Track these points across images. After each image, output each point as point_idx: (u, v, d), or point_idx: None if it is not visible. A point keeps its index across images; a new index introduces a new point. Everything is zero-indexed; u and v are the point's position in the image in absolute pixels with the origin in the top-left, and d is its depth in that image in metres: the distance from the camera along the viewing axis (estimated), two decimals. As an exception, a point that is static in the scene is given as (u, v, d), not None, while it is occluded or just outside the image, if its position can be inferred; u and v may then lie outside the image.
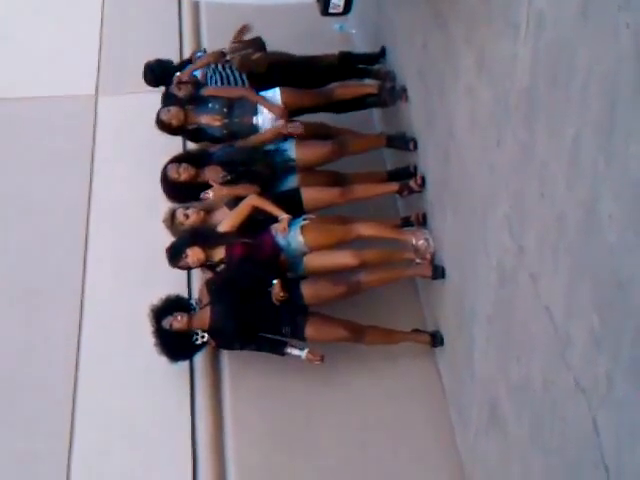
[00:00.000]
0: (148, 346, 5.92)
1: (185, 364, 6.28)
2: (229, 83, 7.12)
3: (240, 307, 5.89)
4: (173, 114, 6.77)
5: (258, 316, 5.89)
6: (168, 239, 6.25)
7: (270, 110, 6.76)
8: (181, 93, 7.00)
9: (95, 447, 6.07)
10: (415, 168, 6.48)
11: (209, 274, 6.24)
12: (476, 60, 4.84)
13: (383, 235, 6.26)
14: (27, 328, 6.69)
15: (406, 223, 6.47)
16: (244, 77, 7.13)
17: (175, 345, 5.99)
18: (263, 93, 6.89)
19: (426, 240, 6.07)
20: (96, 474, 5.99)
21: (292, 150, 6.57)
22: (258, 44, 7.21)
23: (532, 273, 4.19)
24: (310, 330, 5.87)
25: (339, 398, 6.10)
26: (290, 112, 6.83)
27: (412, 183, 6.39)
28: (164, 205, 6.47)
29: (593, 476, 3.57)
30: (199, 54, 7.57)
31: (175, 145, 7.14)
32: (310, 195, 6.37)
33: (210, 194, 6.38)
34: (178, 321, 5.90)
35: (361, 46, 8.01)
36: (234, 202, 6.28)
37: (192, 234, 6.14)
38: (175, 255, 6.07)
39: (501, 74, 4.43)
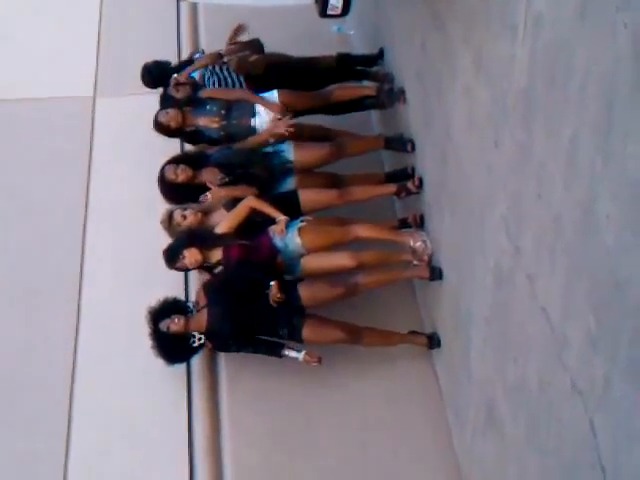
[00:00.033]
0: (146, 347, 5.92)
1: (182, 365, 6.27)
2: (227, 85, 7.12)
3: (237, 309, 5.88)
4: (171, 116, 6.76)
5: (255, 318, 5.88)
6: (166, 240, 6.24)
7: (268, 108, 6.74)
8: (179, 95, 6.99)
9: (93, 448, 6.07)
10: (413, 170, 6.49)
11: (206, 276, 6.24)
12: (474, 60, 4.84)
13: (380, 237, 6.26)
14: (26, 328, 6.69)
15: (403, 225, 6.48)
16: (241, 79, 7.13)
17: (172, 348, 5.99)
18: (261, 95, 6.88)
19: (423, 242, 6.07)
20: (94, 474, 5.98)
21: (290, 152, 6.56)
22: (256, 46, 7.20)
23: (529, 274, 4.18)
24: (307, 332, 5.86)
25: (336, 400, 6.10)
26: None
27: (410, 185, 6.39)
28: (162, 206, 6.47)
29: (590, 477, 3.56)
30: (197, 55, 7.57)
31: (173, 146, 7.13)
32: (308, 197, 6.37)
33: (209, 196, 6.37)
34: (175, 323, 5.89)
35: (359, 47, 8.02)
36: (232, 204, 6.27)
37: (189, 235, 6.13)
38: (172, 256, 6.06)
39: (499, 74, 4.43)
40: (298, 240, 6.02)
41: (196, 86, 7.10)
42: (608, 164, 3.28)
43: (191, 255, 6.00)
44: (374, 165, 7.12)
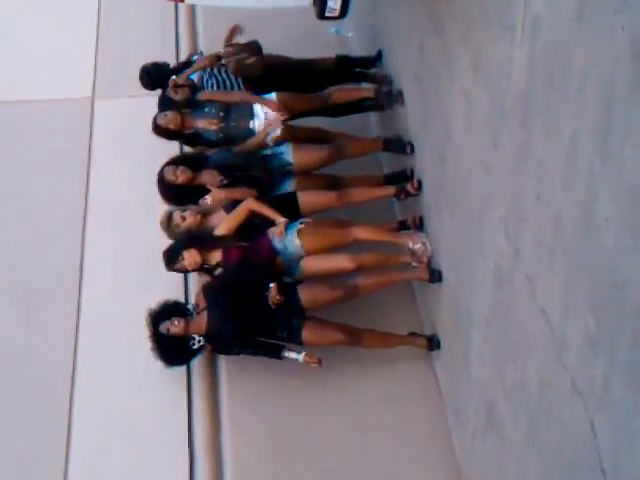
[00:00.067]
0: (146, 347, 5.93)
1: (183, 366, 6.27)
2: (225, 87, 7.12)
3: (237, 311, 5.88)
4: (170, 118, 6.75)
5: (255, 320, 5.88)
6: (166, 241, 6.25)
7: (268, 106, 6.73)
8: (178, 97, 6.99)
9: (93, 448, 6.08)
10: (412, 171, 6.49)
11: (206, 278, 6.24)
12: (472, 62, 4.85)
13: (380, 239, 6.26)
14: (26, 328, 6.71)
15: (403, 226, 6.49)
16: (240, 81, 7.13)
17: (172, 350, 6.00)
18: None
19: (423, 244, 6.08)
20: (94, 474, 5.99)
21: (289, 154, 6.57)
22: (254, 48, 7.19)
23: (528, 275, 4.19)
24: (307, 334, 5.86)
25: (336, 401, 6.10)
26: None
27: (409, 186, 6.40)
28: (162, 207, 6.48)
29: (590, 478, 3.56)
30: (196, 57, 7.57)
31: (172, 148, 7.13)
32: (307, 199, 6.38)
33: (208, 199, 6.37)
34: (175, 326, 5.90)
35: (357, 49, 8.03)
36: (231, 205, 6.28)
37: (189, 237, 6.14)
38: (172, 258, 6.07)
39: (497, 76, 4.44)
40: (297, 242, 6.03)
41: (195, 88, 7.10)
42: (607, 165, 3.28)
43: (190, 256, 6.00)
44: (373, 167, 7.13)
